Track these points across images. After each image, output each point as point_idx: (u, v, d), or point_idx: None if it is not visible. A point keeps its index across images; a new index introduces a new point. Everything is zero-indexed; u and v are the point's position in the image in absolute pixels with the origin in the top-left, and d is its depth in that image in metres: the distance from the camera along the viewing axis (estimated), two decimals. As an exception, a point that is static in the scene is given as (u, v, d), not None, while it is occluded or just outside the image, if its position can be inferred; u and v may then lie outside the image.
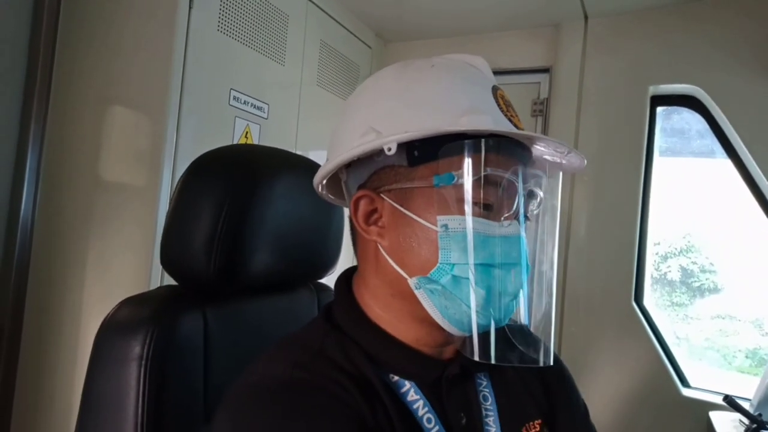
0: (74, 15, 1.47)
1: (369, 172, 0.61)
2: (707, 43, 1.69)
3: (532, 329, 0.60)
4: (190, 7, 1.35)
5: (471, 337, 0.57)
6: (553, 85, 1.99)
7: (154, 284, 1.30)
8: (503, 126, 0.58)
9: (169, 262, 0.78)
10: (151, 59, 1.36)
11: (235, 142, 1.52)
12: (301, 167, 0.87)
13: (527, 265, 0.59)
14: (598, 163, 1.86)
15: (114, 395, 0.68)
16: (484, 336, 0.56)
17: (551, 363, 0.60)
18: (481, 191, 0.55)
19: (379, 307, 0.63)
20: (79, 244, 1.41)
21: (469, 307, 0.56)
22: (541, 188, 0.61)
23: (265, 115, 1.62)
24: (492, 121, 0.57)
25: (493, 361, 0.57)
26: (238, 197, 0.75)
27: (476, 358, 0.56)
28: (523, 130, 0.59)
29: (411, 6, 1.94)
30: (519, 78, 2.08)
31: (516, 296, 0.58)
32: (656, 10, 1.77)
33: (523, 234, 0.58)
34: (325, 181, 0.70)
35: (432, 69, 0.62)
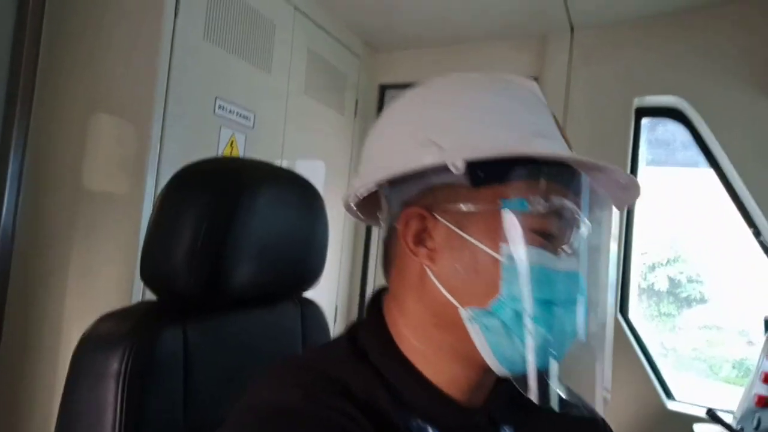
0: (59, 20, 1.46)
1: (419, 188, 0.56)
2: (691, 55, 1.71)
3: (581, 373, 0.57)
4: (175, 15, 1.34)
5: (525, 378, 0.52)
6: (539, 96, 1.99)
7: (137, 295, 1.29)
8: (572, 154, 0.54)
9: (149, 276, 0.77)
10: (136, 66, 1.34)
11: (220, 152, 1.51)
12: (284, 179, 0.86)
13: (586, 302, 0.55)
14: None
15: (91, 412, 0.67)
16: (540, 378, 0.52)
17: (602, 416, 0.56)
18: (550, 221, 0.52)
19: (415, 338, 0.57)
20: (60, 253, 1.39)
21: (525, 345, 0.51)
22: (598, 221, 0.57)
23: (251, 125, 1.61)
24: (562, 148, 0.54)
25: (555, 408, 0.52)
26: (220, 210, 0.74)
27: (536, 401, 0.51)
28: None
29: (399, 15, 1.95)
30: (506, 88, 2.08)
31: (572, 336, 0.54)
32: (641, 22, 1.79)
33: (582, 270, 0.55)
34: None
35: (492, 83, 0.58)
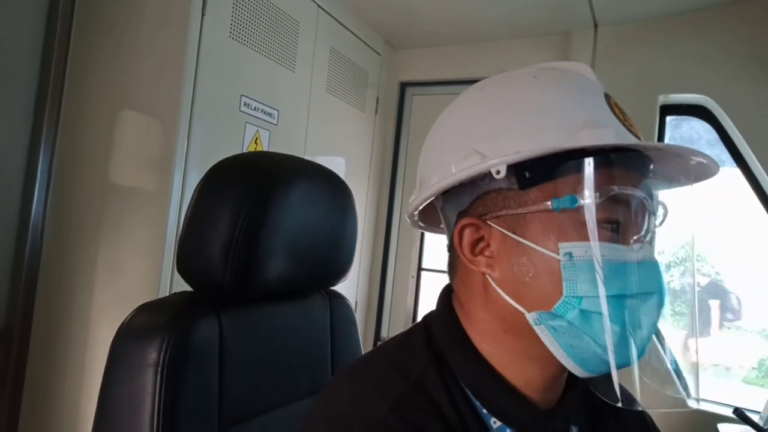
0: (87, 20, 1.49)
1: (471, 197, 0.56)
2: (717, 52, 1.69)
3: (677, 365, 0.56)
4: (202, 14, 1.36)
5: (605, 379, 0.51)
6: (562, 94, 1.98)
7: (164, 289, 1.31)
8: (626, 138, 0.51)
9: (185, 269, 0.78)
10: (163, 65, 1.36)
11: (245, 148, 1.53)
12: (316, 175, 0.87)
13: (663, 292, 0.52)
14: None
15: (130, 401, 0.68)
16: (622, 377, 0.50)
17: (694, 406, 0.55)
18: (608, 212, 0.50)
19: (487, 343, 0.57)
20: (89, 248, 1.42)
21: (599, 345, 0.49)
22: (669, 203, 0.55)
23: (275, 121, 1.63)
24: (614, 133, 0.50)
25: (640, 408, 0.52)
26: (255, 205, 0.76)
27: (618, 404, 0.50)
28: (640, 138, 0.54)
29: (420, 14, 1.95)
30: (528, 86, 2.08)
31: (653, 331, 0.52)
32: (666, 19, 1.77)
33: (656, 257, 0.52)
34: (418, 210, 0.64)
35: (536, 79, 0.56)
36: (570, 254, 0.49)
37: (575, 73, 0.57)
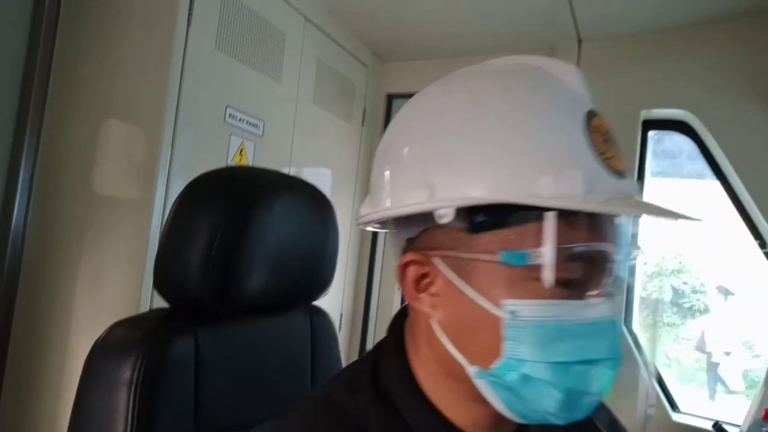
0: (72, 28, 1.48)
1: (420, 228, 0.51)
2: (699, 68, 1.72)
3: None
4: (188, 24, 1.36)
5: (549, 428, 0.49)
6: (547, 107, 2.01)
7: (145, 300, 1.29)
8: (599, 183, 0.45)
9: (161, 283, 0.78)
10: (148, 74, 1.36)
11: (229, 159, 1.52)
12: (297, 189, 0.87)
13: (618, 354, 0.47)
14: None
15: (103, 419, 0.67)
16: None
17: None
18: (566, 271, 0.44)
19: (432, 382, 0.53)
20: (70, 258, 1.40)
21: (541, 408, 0.45)
22: (633, 251, 0.49)
23: (260, 133, 1.63)
24: (582, 180, 0.44)
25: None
26: (234, 219, 0.75)
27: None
28: (622, 172, 0.48)
29: (408, 27, 1.96)
30: (513, 99, 2.10)
31: (602, 394, 0.47)
32: (649, 35, 1.80)
33: (614, 314, 0.46)
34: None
35: (505, 94, 0.48)
36: (514, 312, 0.44)
37: (560, 80, 0.51)
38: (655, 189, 1.90)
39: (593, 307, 0.45)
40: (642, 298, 2.03)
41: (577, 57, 1.92)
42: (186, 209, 0.77)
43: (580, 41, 1.91)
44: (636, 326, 1.86)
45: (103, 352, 0.71)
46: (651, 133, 1.88)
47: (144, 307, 1.28)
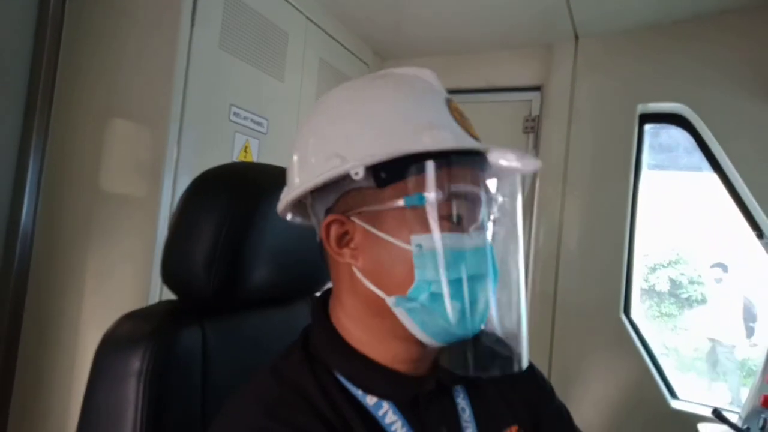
0: (78, 28, 1.50)
1: (336, 195, 0.61)
2: (694, 62, 1.74)
3: (504, 336, 0.62)
4: (192, 24, 1.38)
5: (450, 349, 0.60)
6: (544, 103, 2.04)
7: (153, 296, 1.32)
8: (462, 139, 0.59)
9: (168, 277, 0.79)
10: (153, 74, 1.38)
11: (234, 157, 1.55)
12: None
13: (496, 272, 0.61)
14: (587, 178, 1.90)
15: (112, 410, 0.68)
16: (461, 347, 0.60)
17: (524, 368, 0.61)
18: (450, 207, 0.57)
19: (356, 328, 0.64)
20: (78, 254, 1.43)
21: (446, 320, 0.57)
22: (502, 193, 0.63)
23: (264, 131, 1.66)
24: (451, 135, 0.58)
25: (471, 373, 0.60)
26: (239, 214, 0.77)
27: (457, 371, 0.60)
28: (478, 138, 0.62)
29: (408, 26, 1.99)
30: (512, 96, 2.13)
31: (487, 304, 0.60)
32: (645, 31, 1.82)
33: (488, 242, 0.60)
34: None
35: (384, 86, 0.64)
36: (420, 245, 0.57)
37: (419, 78, 0.65)
38: (651, 182, 1.92)
39: (473, 238, 0.59)
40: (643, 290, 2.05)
41: (574, 53, 1.94)
42: (192, 205, 0.79)
43: (576, 37, 1.93)
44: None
45: (111, 345, 0.71)
46: (647, 127, 1.90)
47: (152, 302, 1.30)
